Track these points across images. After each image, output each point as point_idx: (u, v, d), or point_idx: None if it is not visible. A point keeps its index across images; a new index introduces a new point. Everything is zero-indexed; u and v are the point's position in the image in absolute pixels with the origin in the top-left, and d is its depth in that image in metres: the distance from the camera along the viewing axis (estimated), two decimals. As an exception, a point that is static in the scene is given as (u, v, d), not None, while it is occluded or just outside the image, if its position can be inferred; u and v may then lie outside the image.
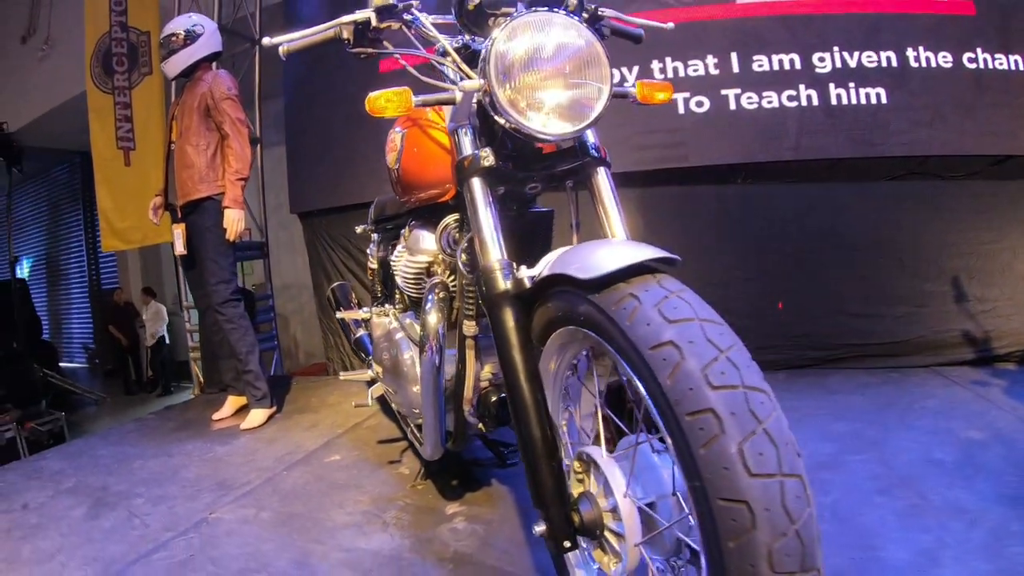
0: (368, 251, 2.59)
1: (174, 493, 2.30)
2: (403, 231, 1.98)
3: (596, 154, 1.40)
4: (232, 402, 3.26)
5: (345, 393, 3.45)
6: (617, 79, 1.32)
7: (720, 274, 3.40)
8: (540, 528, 1.20)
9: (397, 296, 2.19)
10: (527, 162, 1.39)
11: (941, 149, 3.28)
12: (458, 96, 1.35)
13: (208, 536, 1.95)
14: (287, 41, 1.38)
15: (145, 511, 2.16)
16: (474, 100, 1.36)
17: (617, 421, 1.21)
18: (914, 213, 3.39)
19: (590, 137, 1.41)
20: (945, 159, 3.33)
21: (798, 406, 2.80)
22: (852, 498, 1.94)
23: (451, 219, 1.62)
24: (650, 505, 1.12)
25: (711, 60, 3.40)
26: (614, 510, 1.13)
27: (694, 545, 1.03)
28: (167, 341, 9.64)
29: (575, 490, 1.23)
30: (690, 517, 0.98)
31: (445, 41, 1.40)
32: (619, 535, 1.13)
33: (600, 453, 1.19)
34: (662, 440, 1.00)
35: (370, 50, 1.41)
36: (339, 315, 2.74)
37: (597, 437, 1.23)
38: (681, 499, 1.09)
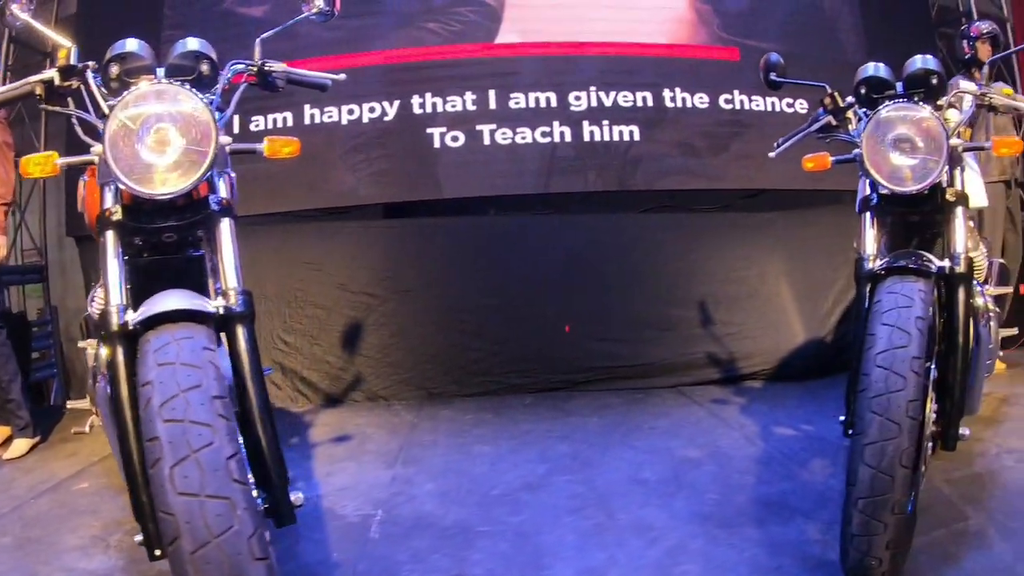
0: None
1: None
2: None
3: (217, 207, 1.49)
4: (-4, 432, 3.16)
5: (112, 422, 3.40)
6: (228, 141, 1.48)
7: (472, 302, 3.52)
8: (139, 538, 1.31)
9: None
10: (153, 215, 1.48)
11: (691, 184, 3.56)
12: (97, 159, 1.44)
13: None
14: None
15: None
16: None
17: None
18: (664, 243, 3.62)
19: (222, 190, 1.53)
20: (699, 192, 3.62)
21: (531, 428, 2.93)
22: (541, 518, 2.02)
23: None
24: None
25: (469, 96, 3.55)
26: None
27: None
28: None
29: None
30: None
31: (104, 104, 1.48)
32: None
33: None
34: None
35: (57, 108, 1.55)
36: (80, 344, 2.75)
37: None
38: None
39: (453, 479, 2.38)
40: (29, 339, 3.91)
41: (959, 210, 1.81)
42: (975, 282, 1.99)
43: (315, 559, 1.82)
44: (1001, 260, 3.09)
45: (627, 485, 2.25)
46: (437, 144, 3.54)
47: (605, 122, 3.56)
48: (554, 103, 3.57)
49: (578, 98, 3.59)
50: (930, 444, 1.76)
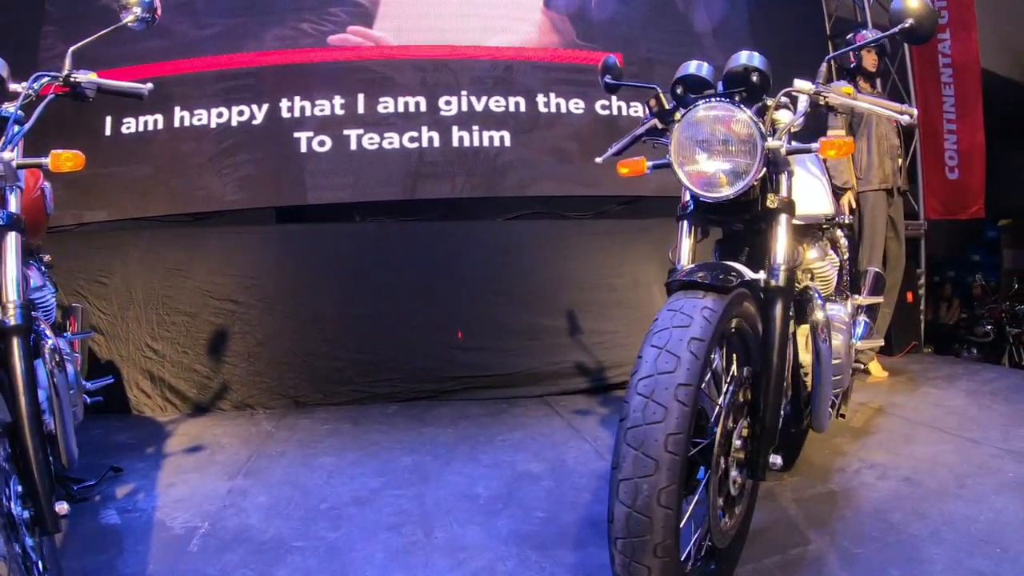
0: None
1: None
2: None
3: (3, 221, 1.51)
4: None
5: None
6: (11, 157, 1.52)
7: (337, 309, 3.55)
8: None
9: None
10: None
11: (564, 190, 3.63)
12: None
13: None
14: None
15: None
16: None
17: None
18: (534, 250, 3.68)
19: (11, 204, 1.54)
20: (573, 199, 3.69)
21: (381, 440, 2.95)
22: (358, 534, 2.03)
23: None
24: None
25: (338, 100, 3.58)
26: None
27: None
28: None
29: None
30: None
31: None
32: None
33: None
34: None
35: None
36: None
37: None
38: None
39: (287, 492, 2.39)
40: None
41: (782, 218, 1.69)
42: (817, 295, 1.95)
43: (131, 571, 1.82)
44: (877, 269, 3.17)
45: (457, 501, 2.26)
46: (304, 149, 3.57)
47: (475, 127, 3.62)
48: (423, 108, 3.62)
49: (448, 103, 3.65)
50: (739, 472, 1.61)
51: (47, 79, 1.73)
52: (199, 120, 3.60)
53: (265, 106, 3.60)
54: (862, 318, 2.87)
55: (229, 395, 3.52)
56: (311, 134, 3.57)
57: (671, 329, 1.35)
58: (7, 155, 1.51)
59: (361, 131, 3.58)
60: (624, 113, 3.80)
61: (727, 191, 1.64)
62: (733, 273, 1.52)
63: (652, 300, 3.73)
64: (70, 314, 2.90)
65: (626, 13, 3.98)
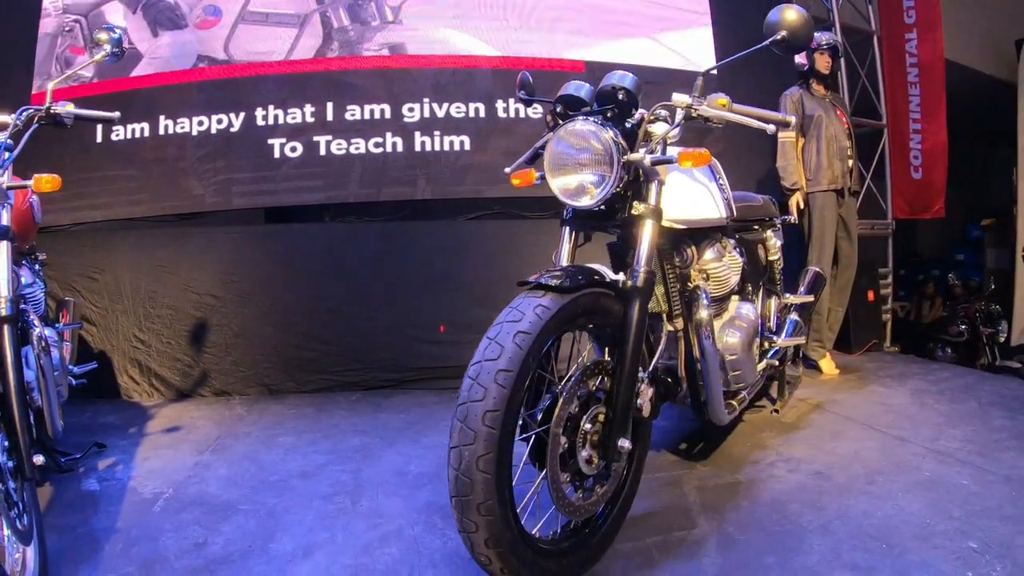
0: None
1: None
2: None
3: None
4: None
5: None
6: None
7: (308, 303, 3.89)
8: None
9: None
10: None
11: (519, 192, 3.93)
12: None
13: None
14: None
15: None
16: None
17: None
18: (493, 248, 3.98)
19: (3, 218, 1.94)
20: (530, 200, 3.97)
21: (340, 423, 3.29)
22: (297, 501, 2.36)
23: None
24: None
25: (308, 108, 3.92)
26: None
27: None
28: None
29: None
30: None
31: None
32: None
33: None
34: None
35: None
36: None
37: None
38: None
39: (246, 466, 2.73)
40: None
41: (647, 224, 1.85)
42: (704, 295, 2.13)
43: (101, 526, 2.18)
44: (817, 269, 3.32)
45: (389, 477, 2.56)
46: (277, 154, 3.90)
47: (437, 132, 3.94)
48: (388, 115, 3.94)
49: (411, 109, 3.96)
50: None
51: (31, 111, 2.16)
52: (182, 128, 3.94)
53: (242, 115, 3.93)
54: (791, 316, 3.02)
55: (209, 382, 3.88)
56: (283, 140, 3.89)
57: (503, 323, 1.58)
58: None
59: (330, 137, 3.90)
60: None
61: (589, 200, 1.85)
62: (586, 276, 1.72)
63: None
64: (63, 307, 3.30)
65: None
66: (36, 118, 2.15)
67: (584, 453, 1.74)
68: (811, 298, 3.18)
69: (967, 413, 3.10)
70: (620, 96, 1.89)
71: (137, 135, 3.96)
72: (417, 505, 2.28)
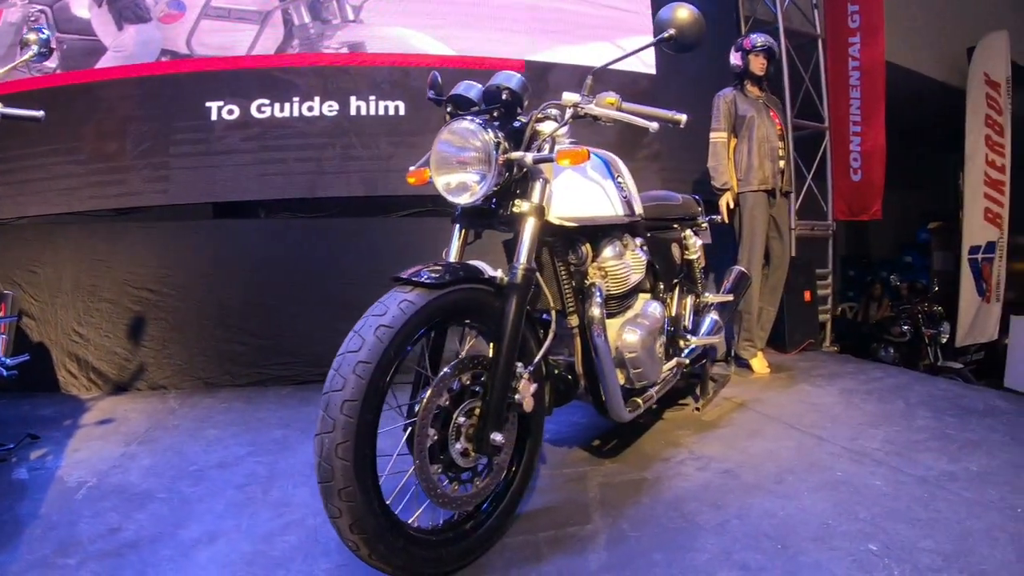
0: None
1: None
2: None
3: None
4: None
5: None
6: None
7: (241, 298, 4.07)
8: None
9: None
10: None
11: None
12: None
13: None
14: None
15: None
16: None
17: None
18: (425, 244, 4.01)
19: None
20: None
21: (266, 417, 3.46)
22: (211, 490, 2.50)
23: None
24: None
25: (245, 105, 4.11)
26: None
27: None
28: None
29: None
30: None
31: None
32: None
33: None
34: None
35: None
36: None
37: None
38: None
39: (169, 456, 2.89)
40: None
41: (528, 221, 1.91)
42: (598, 293, 2.20)
43: (26, 511, 2.32)
44: (742, 268, 3.45)
45: (303, 468, 2.65)
46: (216, 150, 4.08)
47: (372, 131, 4.13)
48: (328, 112, 4.13)
49: (353, 107, 4.15)
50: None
51: None
52: (129, 123, 4.11)
53: (186, 110, 4.10)
54: (710, 315, 3.12)
55: (145, 376, 4.05)
56: (223, 135, 4.07)
57: (368, 317, 1.66)
58: None
59: (265, 132, 4.09)
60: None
61: (470, 198, 1.92)
62: (463, 272, 1.80)
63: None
64: (1, 300, 3.45)
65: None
66: None
67: (458, 446, 1.81)
68: (730, 297, 3.25)
69: (892, 413, 3.13)
70: (504, 96, 1.95)
71: (82, 128, 4.10)
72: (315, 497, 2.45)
